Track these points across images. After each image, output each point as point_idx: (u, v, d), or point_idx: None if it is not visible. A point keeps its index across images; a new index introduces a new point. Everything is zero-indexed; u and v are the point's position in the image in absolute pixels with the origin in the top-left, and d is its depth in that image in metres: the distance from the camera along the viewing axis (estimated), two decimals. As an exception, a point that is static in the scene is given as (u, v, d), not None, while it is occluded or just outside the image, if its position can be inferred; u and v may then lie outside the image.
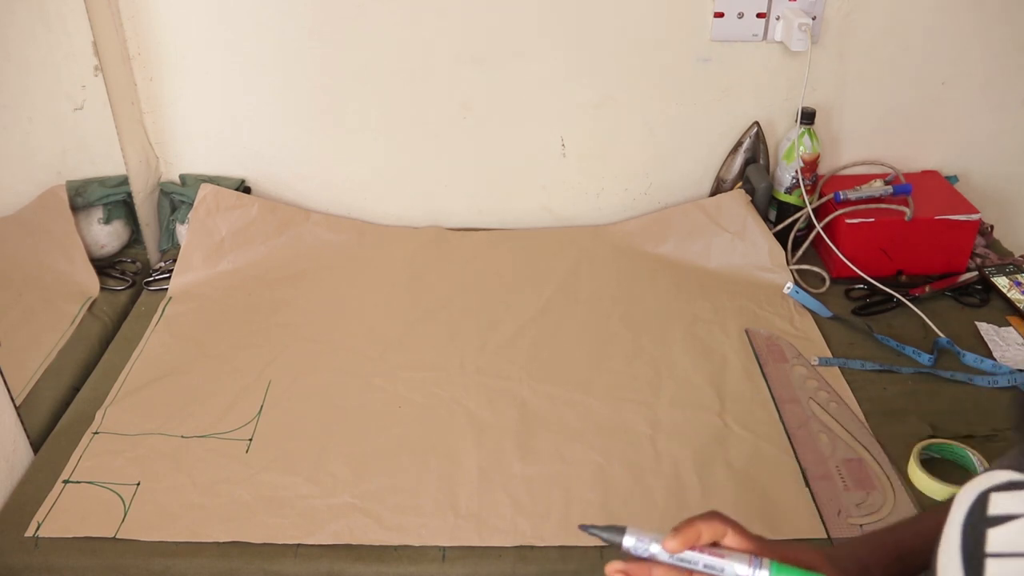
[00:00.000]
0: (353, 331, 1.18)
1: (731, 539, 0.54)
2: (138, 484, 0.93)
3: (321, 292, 1.26)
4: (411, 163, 1.40)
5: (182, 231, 1.34)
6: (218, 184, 1.34)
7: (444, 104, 1.35)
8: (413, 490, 0.93)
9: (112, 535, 0.87)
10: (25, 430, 0.97)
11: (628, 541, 0.54)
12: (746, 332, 1.17)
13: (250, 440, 0.99)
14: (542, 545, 0.87)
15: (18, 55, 1.11)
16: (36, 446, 0.98)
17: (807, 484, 0.93)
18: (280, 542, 0.87)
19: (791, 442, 0.98)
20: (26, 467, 0.96)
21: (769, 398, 1.06)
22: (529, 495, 0.92)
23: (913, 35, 1.31)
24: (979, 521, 0.41)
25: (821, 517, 0.89)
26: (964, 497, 0.43)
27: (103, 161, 1.26)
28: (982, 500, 0.41)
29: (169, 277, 1.27)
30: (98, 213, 1.27)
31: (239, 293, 1.26)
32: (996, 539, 0.39)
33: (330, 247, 1.36)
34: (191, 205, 1.32)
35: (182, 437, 0.99)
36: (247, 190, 1.39)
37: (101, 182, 1.26)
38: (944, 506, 0.48)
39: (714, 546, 0.54)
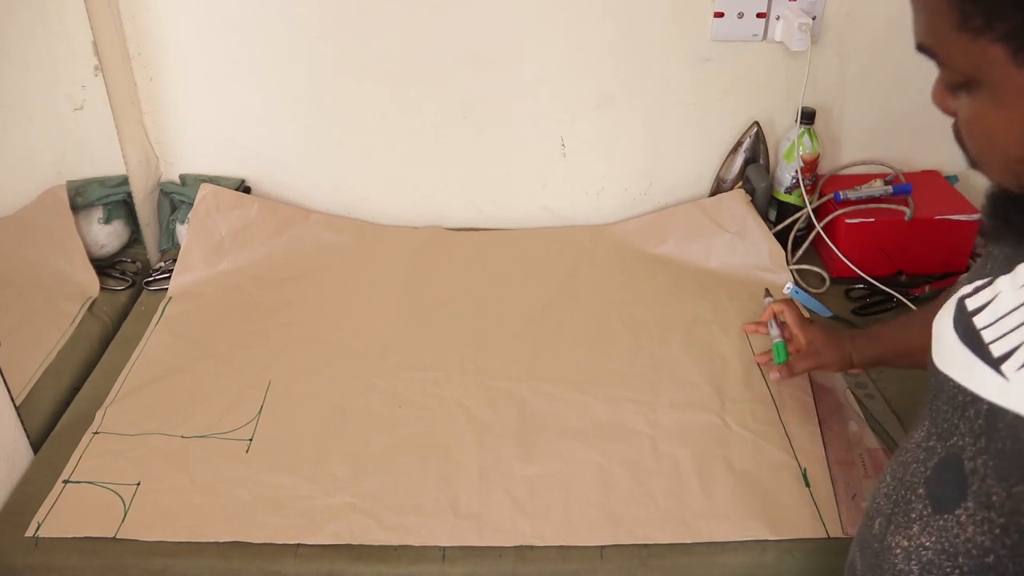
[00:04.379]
0: (353, 331, 1.18)
1: (788, 315, 1.05)
2: (138, 484, 0.93)
3: (321, 292, 1.26)
4: (411, 163, 1.40)
5: (182, 231, 1.34)
6: (218, 184, 1.34)
7: (444, 104, 1.35)
8: (413, 490, 0.93)
9: (112, 535, 0.87)
10: (25, 430, 0.97)
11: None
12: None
13: (250, 440, 0.99)
14: (542, 545, 0.87)
15: (18, 55, 1.11)
16: (36, 446, 0.98)
17: (807, 484, 0.93)
18: (280, 542, 0.87)
19: (820, 427, 1.01)
20: (26, 467, 0.96)
21: (769, 398, 1.06)
22: (529, 495, 0.92)
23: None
24: (964, 316, 0.55)
25: (835, 499, 0.91)
26: (944, 311, 0.57)
27: (103, 161, 1.26)
28: (960, 305, 0.55)
29: (169, 277, 1.27)
30: (98, 213, 1.27)
31: (239, 293, 1.26)
32: (981, 320, 0.53)
33: (330, 247, 1.36)
34: (191, 205, 1.32)
35: (182, 437, 0.99)
36: (247, 190, 1.39)
37: (101, 182, 1.26)
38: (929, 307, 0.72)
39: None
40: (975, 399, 0.54)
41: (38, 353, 1.08)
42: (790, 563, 0.86)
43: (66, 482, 0.93)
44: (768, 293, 1.16)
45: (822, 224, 1.28)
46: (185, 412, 1.03)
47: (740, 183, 1.38)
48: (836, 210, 1.27)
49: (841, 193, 1.28)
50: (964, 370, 0.55)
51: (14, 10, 1.09)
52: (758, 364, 1.11)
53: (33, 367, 1.06)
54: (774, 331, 1.07)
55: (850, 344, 0.97)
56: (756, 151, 1.37)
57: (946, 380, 0.57)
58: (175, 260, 1.29)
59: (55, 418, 1.03)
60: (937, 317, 0.59)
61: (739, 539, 0.87)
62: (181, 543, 0.87)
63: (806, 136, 1.30)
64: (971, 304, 0.56)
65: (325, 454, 0.97)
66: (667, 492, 0.92)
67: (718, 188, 1.41)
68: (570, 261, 1.34)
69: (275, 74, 1.32)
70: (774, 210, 1.37)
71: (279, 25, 1.28)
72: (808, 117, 1.29)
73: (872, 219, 1.25)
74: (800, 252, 1.33)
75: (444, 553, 0.86)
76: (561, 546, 0.87)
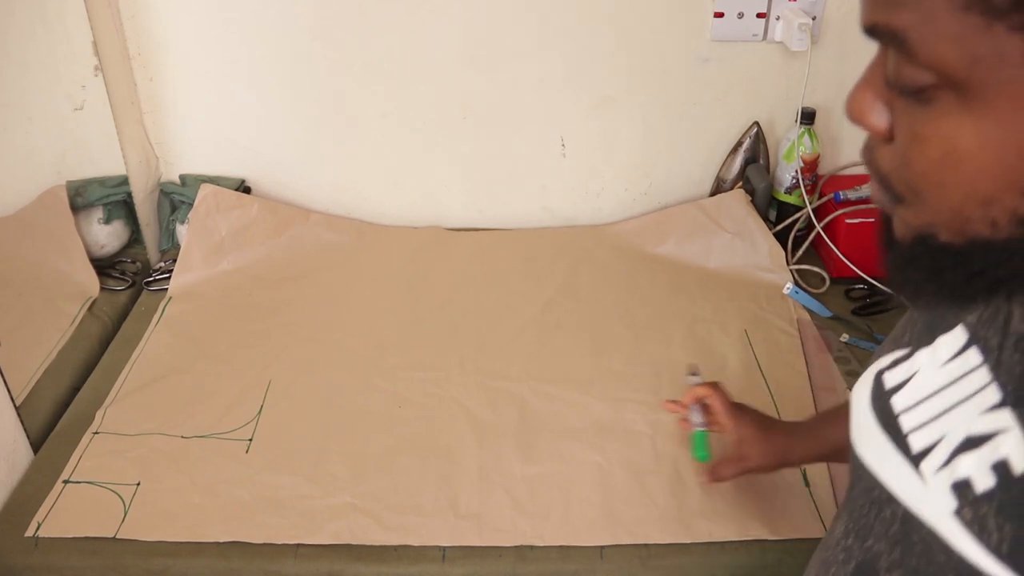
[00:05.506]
0: (353, 331, 1.18)
1: (715, 401, 0.88)
2: (138, 484, 0.93)
3: (321, 292, 1.26)
4: (411, 163, 1.40)
5: (182, 231, 1.34)
6: (218, 184, 1.34)
7: (444, 104, 1.35)
8: (413, 490, 0.93)
9: (112, 535, 0.87)
10: (25, 430, 0.97)
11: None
12: (797, 322, 1.18)
13: (250, 440, 0.99)
14: (542, 545, 0.87)
15: (18, 55, 1.11)
16: (36, 446, 0.98)
17: (807, 484, 0.93)
18: (280, 542, 0.87)
19: None
20: (26, 467, 0.96)
21: (769, 398, 1.06)
22: (529, 495, 0.92)
23: (913, 35, 1.30)
24: (881, 396, 0.48)
25: (835, 499, 0.91)
26: (862, 386, 0.51)
27: (103, 161, 1.26)
28: (878, 381, 0.49)
29: (169, 277, 1.27)
30: (98, 213, 1.27)
31: (239, 293, 1.26)
32: (899, 401, 0.46)
33: (330, 247, 1.36)
34: (191, 205, 1.32)
35: (182, 437, 0.99)
36: (247, 190, 1.39)
37: (101, 182, 1.26)
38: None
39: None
40: (891, 498, 0.45)
41: (38, 353, 1.08)
42: (790, 563, 0.86)
43: (66, 482, 0.93)
44: (694, 371, 0.99)
45: (822, 224, 1.28)
46: (185, 412, 1.03)
47: (740, 183, 1.38)
48: (836, 210, 1.27)
49: (841, 193, 1.28)
50: (880, 460, 0.47)
51: (14, 10, 1.09)
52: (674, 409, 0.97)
53: (33, 367, 1.06)
54: (696, 418, 0.91)
55: (784, 442, 0.83)
56: (756, 151, 1.37)
57: (863, 468, 0.49)
58: (175, 260, 1.29)
59: (55, 418, 1.03)
60: (856, 385, 0.51)
61: (739, 539, 0.87)
62: (181, 543, 0.87)
63: (806, 136, 1.30)
64: (889, 380, 0.48)
65: (325, 454, 0.97)
66: (667, 492, 0.92)
67: (718, 188, 1.41)
68: (570, 261, 1.34)
69: (275, 74, 1.32)
70: (774, 210, 1.37)
71: (279, 25, 1.28)
72: (808, 117, 1.29)
73: (872, 219, 1.25)
74: (800, 252, 1.33)
75: (444, 553, 0.86)
76: (561, 546, 0.87)
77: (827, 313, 1.21)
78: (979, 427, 0.40)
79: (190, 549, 0.86)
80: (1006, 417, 0.39)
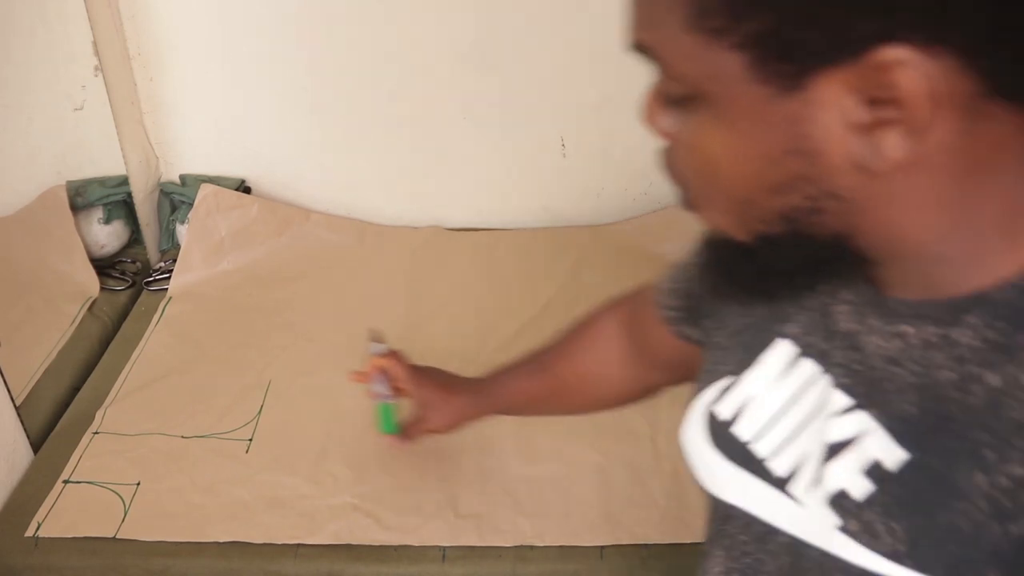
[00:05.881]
0: (353, 331, 1.18)
1: (397, 371, 0.83)
2: (138, 484, 0.93)
3: (321, 292, 1.26)
4: (411, 163, 1.40)
5: (182, 231, 1.34)
6: (218, 184, 1.34)
7: (444, 104, 1.34)
8: (413, 490, 0.93)
9: (112, 535, 0.87)
10: (25, 430, 0.97)
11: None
12: None
13: (250, 440, 0.99)
14: (542, 545, 0.87)
15: (18, 55, 1.11)
16: (36, 446, 0.98)
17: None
18: (280, 542, 0.87)
19: None
20: (26, 467, 0.96)
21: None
22: (529, 495, 0.92)
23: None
24: (719, 430, 0.47)
25: None
26: (692, 426, 0.49)
27: (103, 161, 1.26)
28: (711, 417, 0.48)
29: (169, 277, 1.27)
30: (98, 213, 1.27)
31: (239, 293, 1.26)
32: (743, 430, 0.45)
33: (330, 247, 1.36)
34: (191, 205, 1.32)
35: (182, 437, 0.99)
36: (247, 190, 1.39)
37: (101, 182, 1.26)
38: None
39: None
40: (772, 530, 0.44)
41: (38, 353, 1.08)
42: (790, 563, 0.86)
43: (66, 482, 0.93)
44: (377, 338, 0.89)
45: (822, 224, 1.28)
46: (185, 412, 1.03)
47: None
48: (836, 210, 1.27)
49: (841, 193, 1.28)
50: (744, 494, 0.46)
51: (14, 10, 1.09)
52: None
53: (33, 367, 1.06)
54: (380, 388, 0.84)
55: (464, 400, 0.81)
56: (756, 151, 1.37)
57: (729, 507, 0.47)
58: (175, 260, 1.29)
59: (55, 418, 1.03)
60: (683, 431, 0.50)
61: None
62: (181, 543, 0.87)
63: (806, 136, 1.29)
64: (722, 412, 0.47)
65: (325, 454, 0.97)
66: (667, 492, 0.92)
67: (718, 188, 1.41)
68: (570, 261, 1.34)
69: (275, 74, 1.32)
70: (774, 210, 1.36)
71: (279, 25, 1.27)
72: (808, 117, 1.29)
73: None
74: (800, 252, 1.33)
75: (444, 553, 0.86)
76: (561, 546, 0.87)
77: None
78: (837, 434, 0.40)
79: (190, 549, 0.86)
80: (863, 419, 0.39)
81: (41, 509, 0.89)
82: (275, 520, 0.89)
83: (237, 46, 1.29)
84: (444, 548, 0.87)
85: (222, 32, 1.28)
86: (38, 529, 0.87)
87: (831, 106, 0.33)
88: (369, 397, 0.85)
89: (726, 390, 0.47)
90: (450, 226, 1.43)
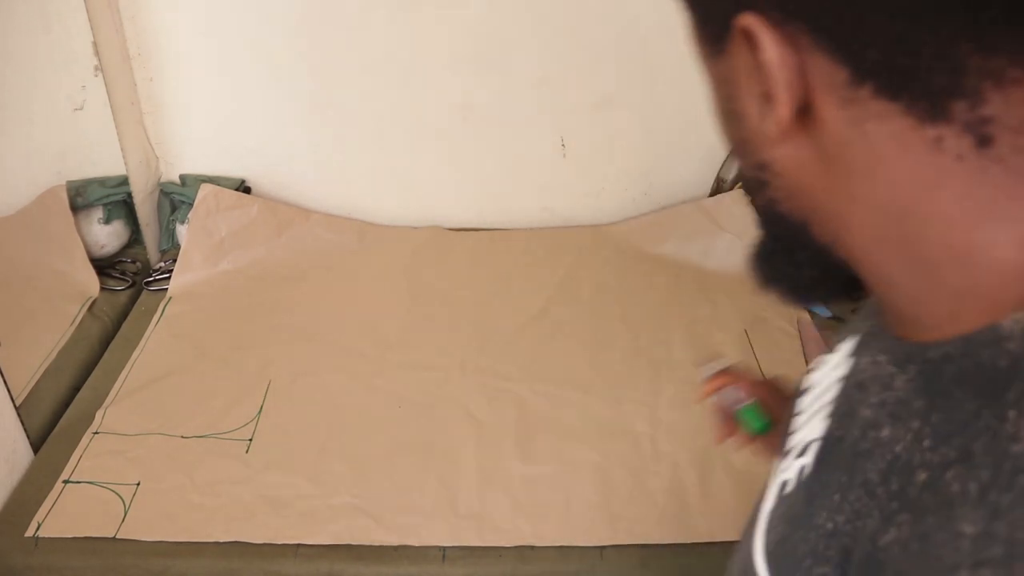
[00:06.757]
0: (353, 331, 1.18)
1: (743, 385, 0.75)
2: (138, 484, 0.93)
3: (321, 292, 1.26)
4: (411, 163, 1.40)
5: (182, 231, 1.34)
6: (218, 184, 1.34)
7: (444, 104, 1.34)
8: (413, 490, 0.93)
9: (112, 535, 0.87)
10: (25, 430, 0.97)
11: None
12: (797, 322, 1.18)
13: (250, 440, 0.99)
14: (542, 545, 0.87)
15: (18, 55, 1.11)
16: (36, 446, 0.98)
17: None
18: (280, 542, 0.87)
19: None
20: (26, 467, 0.96)
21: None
22: (529, 495, 0.92)
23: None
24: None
25: None
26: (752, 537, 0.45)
27: (103, 161, 1.26)
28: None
29: (169, 277, 1.27)
30: (98, 213, 1.27)
31: (239, 293, 1.26)
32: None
33: (330, 247, 1.36)
34: (191, 205, 1.32)
35: (182, 437, 0.99)
36: (247, 190, 1.39)
37: (101, 182, 1.26)
38: None
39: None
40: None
41: (38, 353, 1.08)
42: (790, 563, 0.86)
43: (66, 482, 0.93)
44: (713, 357, 0.83)
45: (822, 224, 1.28)
46: (185, 412, 1.03)
47: (740, 183, 1.38)
48: (836, 210, 1.27)
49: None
50: None
51: (14, 10, 1.09)
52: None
53: (33, 367, 1.06)
54: (735, 394, 0.79)
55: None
56: (756, 151, 1.37)
57: None
58: (175, 260, 1.29)
59: (55, 418, 1.03)
60: (741, 549, 0.46)
61: (739, 539, 0.87)
62: (181, 543, 0.87)
63: (806, 136, 1.29)
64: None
65: (325, 454, 0.97)
66: (667, 492, 0.92)
67: (718, 188, 1.41)
68: (570, 261, 1.34)
69: (275, 74, 1.32)
70: (774, 210, 1.36)
71: (279, 25, 1.27)
72: (808, 117, 1.29)
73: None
74: (800, 252, 1.33)
75: (444, 553, 0.86)
76: (561, 546, 0.87)
77: (827, 313, 1.21)
78: (808, 434, 0.41)
79: (190, 549, 0.86)
80: (822, 427, 0.40)
81: (41, 509, 0.89)
82: (275, 520, 0.89)
83: (237, 46, 1.29)
84: (444, 548, 0.87)
85: (222, 32, 1.28)
86: (38, 529, 0.87)
87: (740, 70, 0.33)
88: (718, 411, 0.80)
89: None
90: (450, 226, 1.43)
